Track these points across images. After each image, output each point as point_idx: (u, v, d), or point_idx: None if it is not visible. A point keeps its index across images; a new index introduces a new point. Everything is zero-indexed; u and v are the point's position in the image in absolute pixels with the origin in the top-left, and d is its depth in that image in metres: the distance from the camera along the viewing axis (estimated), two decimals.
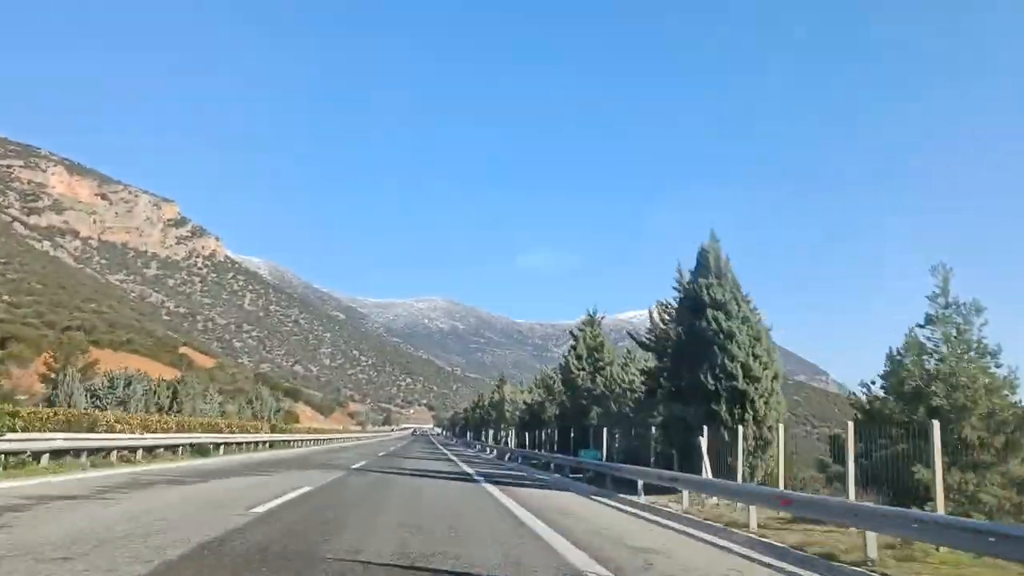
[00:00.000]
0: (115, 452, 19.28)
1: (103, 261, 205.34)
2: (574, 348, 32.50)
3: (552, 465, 27.84)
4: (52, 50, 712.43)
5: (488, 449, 49.01)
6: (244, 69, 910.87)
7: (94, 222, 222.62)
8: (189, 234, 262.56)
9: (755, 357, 17.08)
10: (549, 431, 35.35)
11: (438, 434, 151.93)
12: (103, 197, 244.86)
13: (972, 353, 12.53)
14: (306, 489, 13.40)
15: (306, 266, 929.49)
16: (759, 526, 10.79)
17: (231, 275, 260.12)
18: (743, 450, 14.67)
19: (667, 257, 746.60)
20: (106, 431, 20.27)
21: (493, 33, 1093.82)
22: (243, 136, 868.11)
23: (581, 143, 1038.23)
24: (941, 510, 8.42)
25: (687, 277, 19.71)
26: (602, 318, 33.83)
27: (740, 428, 14.87)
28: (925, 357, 13.20)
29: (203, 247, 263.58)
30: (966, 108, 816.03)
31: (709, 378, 17.04)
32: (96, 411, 24.31)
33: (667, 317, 22.23)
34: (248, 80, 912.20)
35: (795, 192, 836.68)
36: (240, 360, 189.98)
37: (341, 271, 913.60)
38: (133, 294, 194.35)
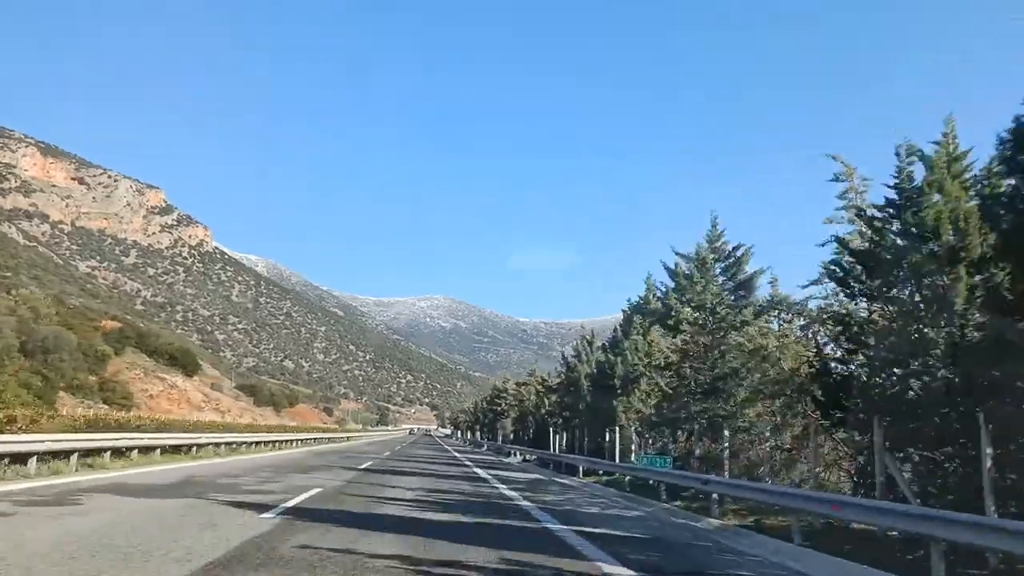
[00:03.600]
0: None
1: (74, 246, 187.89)
2: None
3: None
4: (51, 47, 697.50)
5: None
6: (244, 67, 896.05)
7: (67, 206, 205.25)
8: (175, 222, 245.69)
9: None
10: None
11: (446, 436, 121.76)
12: (80, 181, 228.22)
13: None
14: None
15: (305, 265, 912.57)
16: None
17: (219, 266, 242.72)
18: None
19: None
20: None
21: (498, 32, 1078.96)
22: (243, 134, 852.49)
23: (583, 140, 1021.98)
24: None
25: None
26: None
27: None
28: None
29: (190, 236, 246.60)
30: None
31: None
32: None
33: None
34: (248, 78, 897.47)
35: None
36: (221, 353, 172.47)
37: (341, 271, 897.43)
38: (104, 281, 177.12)
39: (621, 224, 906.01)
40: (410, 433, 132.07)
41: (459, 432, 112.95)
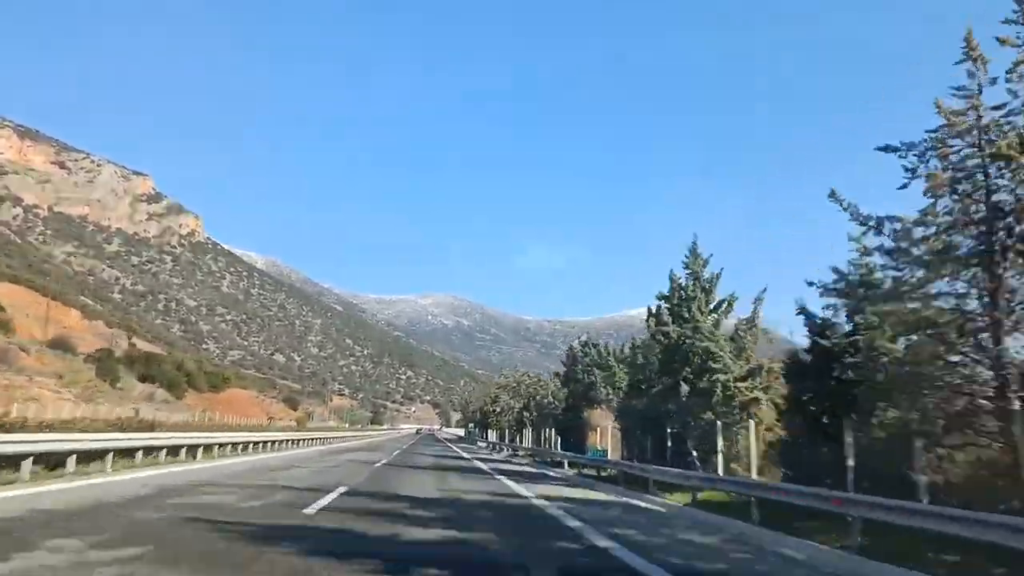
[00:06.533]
0: None
1: (48, 232, 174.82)
2: None
3: None
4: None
5: None
6: (246, 66, 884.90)
7: (43, 190, 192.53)
8: (164, 211, 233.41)
9: None
10: None
11: (458, 439, 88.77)
12: (61, 166, 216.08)
13: None
14: None
15: (306, 264, 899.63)
16: None
17: (209, 256, 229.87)
18: None
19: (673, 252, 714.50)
20: None
21: (498, 32, 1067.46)
22: (244, 131, 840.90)
23: (585, 138, 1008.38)
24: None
25: None
26: None
27: None
28: None
29: (180, 226, 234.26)
30: None
31: None
32: None
33: None
34: (248, 76, 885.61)
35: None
36: (205, 346, 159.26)
37: (342, 270, 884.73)
38: (80, 267, 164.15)
39: (626, 222, 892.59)
40: (416, 432, 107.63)
41: (480, 433, 72.87)
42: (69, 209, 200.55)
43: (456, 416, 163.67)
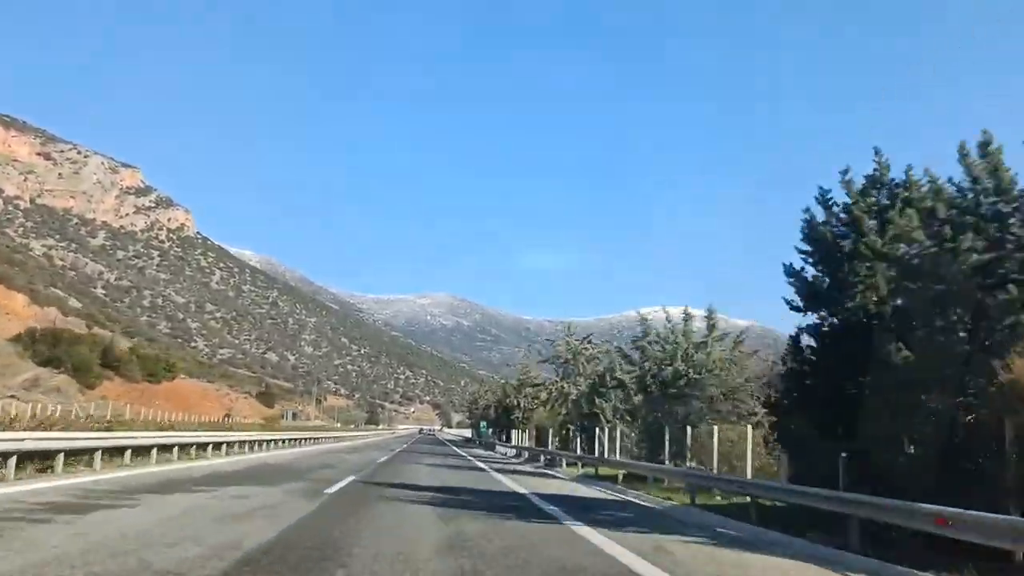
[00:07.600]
0: None
1: (27, 224, 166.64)
2: None
3: None
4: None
5: None
6: (247, 65, 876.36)
7: (24, 180, 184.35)
8: (152, 204, 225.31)
9: None
10: None
11: (467, 439, 79.94)
12: (46, 157, 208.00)
13: None
14: None
15: (304, 264, 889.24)
16: None
17: (199, 252, 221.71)
18: None
19: (676, 253, 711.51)
20: None
21: (498, 32, 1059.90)
22: (244, 130, 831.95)
23: (587, 137, 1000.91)
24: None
25: None
26: None
27: None
28: None
29: (169, 220, 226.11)
30: None
31: None
32: None
33: None
34: (250, 76, 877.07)
35: None
36: (193, 343, 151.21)
37: (340, 270, 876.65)
38: (61, 261, 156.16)
39: (628, 222, 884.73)
40: (420, 432, 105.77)
41: (497, 434, 59.17)
42: (53, 201, 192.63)
43: (458, 417, 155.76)
